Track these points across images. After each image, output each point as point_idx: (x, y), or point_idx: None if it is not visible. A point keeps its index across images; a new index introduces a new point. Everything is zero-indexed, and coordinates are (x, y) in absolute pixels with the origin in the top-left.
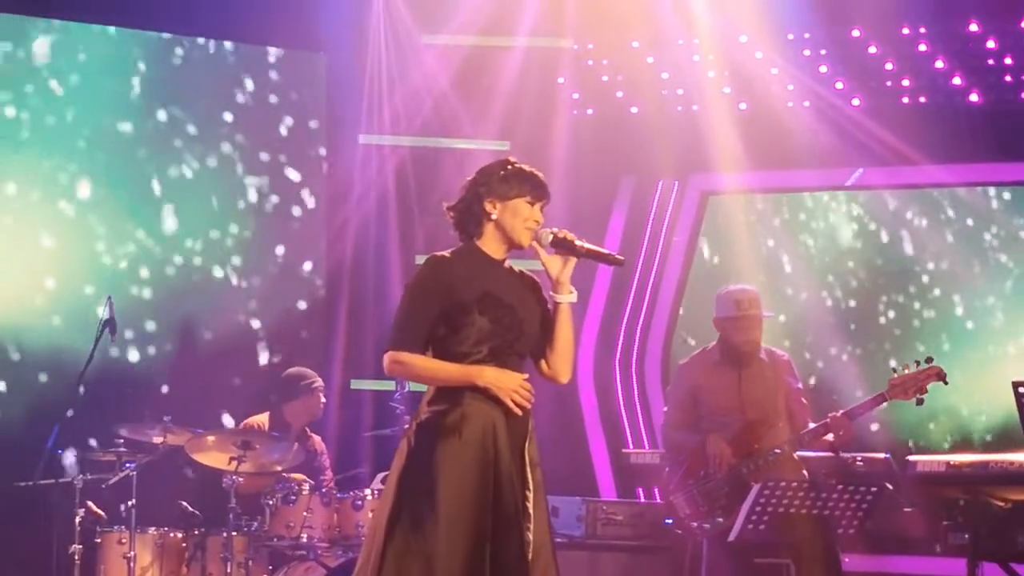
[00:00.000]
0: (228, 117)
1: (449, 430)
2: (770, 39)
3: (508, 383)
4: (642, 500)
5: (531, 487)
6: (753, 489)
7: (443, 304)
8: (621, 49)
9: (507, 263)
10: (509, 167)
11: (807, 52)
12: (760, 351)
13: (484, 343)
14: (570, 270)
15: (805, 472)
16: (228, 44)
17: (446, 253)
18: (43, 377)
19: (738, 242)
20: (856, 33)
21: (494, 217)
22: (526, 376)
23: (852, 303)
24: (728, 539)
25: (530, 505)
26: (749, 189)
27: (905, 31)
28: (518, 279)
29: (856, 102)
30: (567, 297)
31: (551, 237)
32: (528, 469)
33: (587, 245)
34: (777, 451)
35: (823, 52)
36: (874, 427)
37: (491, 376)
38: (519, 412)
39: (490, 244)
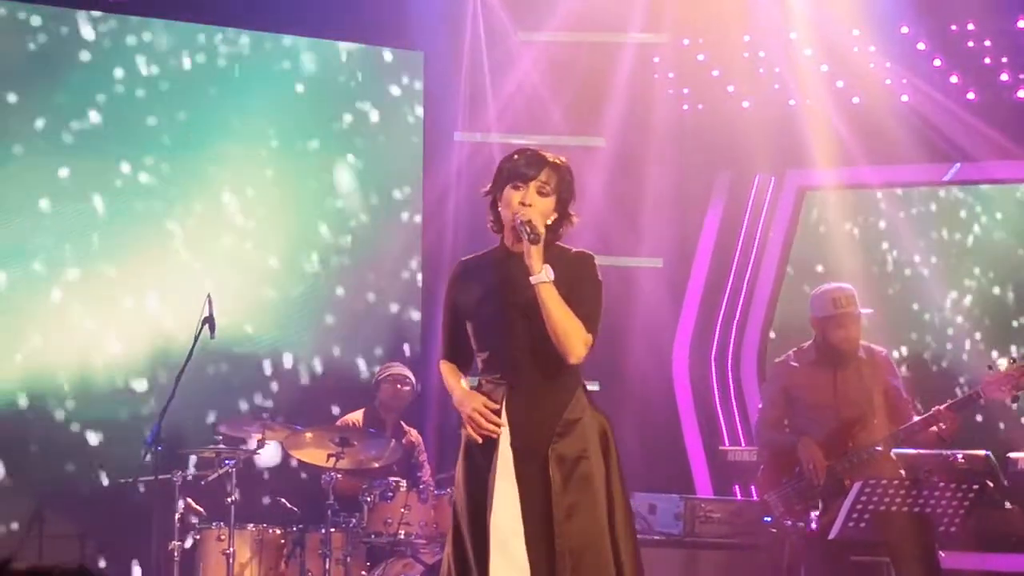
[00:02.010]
0: (322, 114)
1: (463, 426)
2: (869, 33)
3: (465, 407)
4: (739, 498)
5: (554, 485)
6: (854, 487)
7: (455, 311)
8: (718, 44)
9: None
10: (506, 159)
11: (906, 46)
12: (859, 349)
13: (482, 346)
14: (530, 253)
15: (902, 471)
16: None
17: (467, 256)
18: (145, 372)
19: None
20: (954, 27)
21: (500, 211)
22: (495, 406)
23: None
24: (828, 537)
25: (555, 505)
26: (846, 184)
27: (1006, 25)
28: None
29: (952, 96)
30: (536, 278)
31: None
32: (553, 466)
33: (529, 230)
34: (878, 448)
35: (921, 46)
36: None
37: (457, 397)
38: (477, 438)
39: (508, 238)
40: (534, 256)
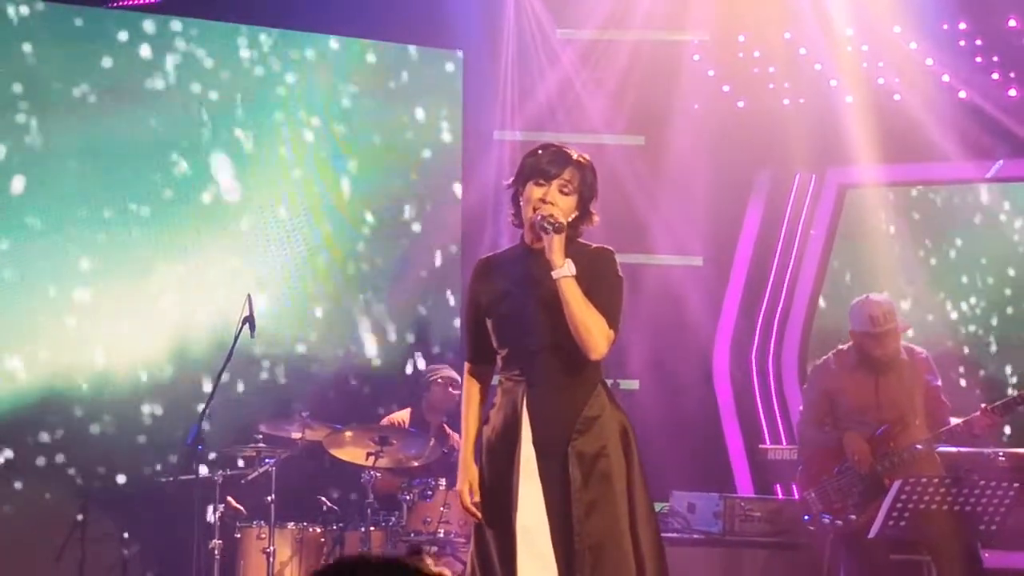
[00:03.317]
0: (367, 114)
1: (486, 423)
2: (910, 29)
3: (457, 482)
4: (780, 496)
5: (573, 483)
6: (893, 486)
7: (476, 309)
8: (758, 42)
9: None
10: (529, 155)
11: (948, 42)
12: (900, 352)
13: (502, 343)
14: (552, 247)
15: (943, 469)
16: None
17: (488, 254)
18: (184, 372)
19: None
20: (995, 23)
21: (521, 206)
22: (476, 498)
23: None
24: (867, 536)
25: (575, 502)
26: (887, 182)
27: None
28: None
29: (993, 93)
30: (558, 273)
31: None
32: (573, 463)
33: (551, 222)
34: (918, 447)
35: (963, 43)
36: None
37: (459, 456)
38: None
39: (528, 234)
40: (556, 250)
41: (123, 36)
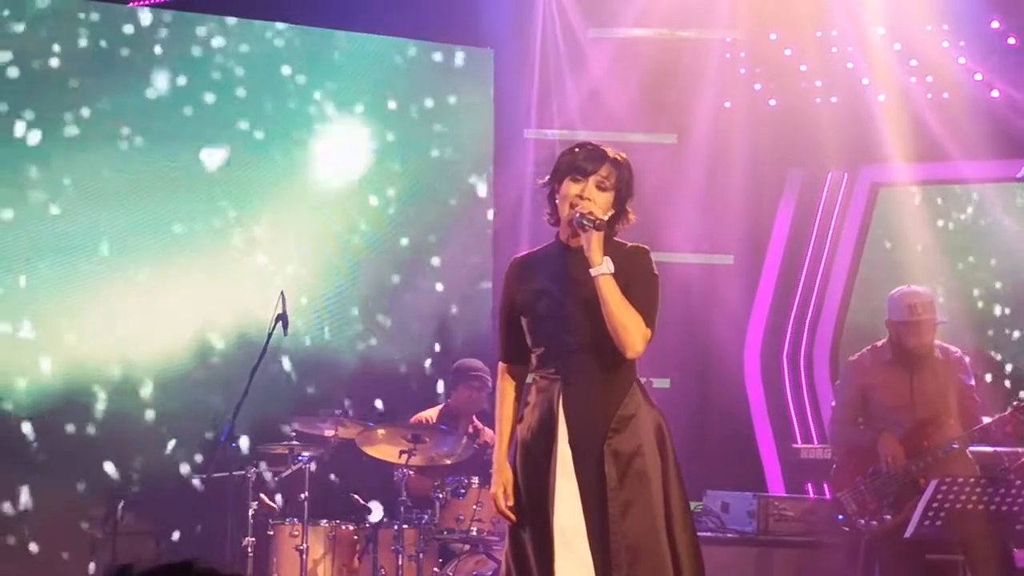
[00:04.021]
0: (394, 111)
1: (521, 421)
2: (942, 27)
3: (491, 484)
4: (812, 496)
5: (609, 482)
6: (930, 486)
7: (512, 308)
8: (790, 40)
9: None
10: (566, 152)
11: (979, 41)
12: (935, 350)
13: (538, 342)
14: (591, 244)
15: (977, 468)
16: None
17: (522, 254)
18: (218, 369)
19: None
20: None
21: (557, 203)
22: (509, 502)
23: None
24: (904, 535)
25: (611, 501)
26: (919, 181)
27: None
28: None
29: (999, 90)
30: (596, 270)
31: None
32: (608, 462)
33: (591, 219)
34: (955, 446)
35: (994, 41)
36: None
37: (494, 456)
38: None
39: (564, 232)
40: (594, 247)
41: (169, 75)
